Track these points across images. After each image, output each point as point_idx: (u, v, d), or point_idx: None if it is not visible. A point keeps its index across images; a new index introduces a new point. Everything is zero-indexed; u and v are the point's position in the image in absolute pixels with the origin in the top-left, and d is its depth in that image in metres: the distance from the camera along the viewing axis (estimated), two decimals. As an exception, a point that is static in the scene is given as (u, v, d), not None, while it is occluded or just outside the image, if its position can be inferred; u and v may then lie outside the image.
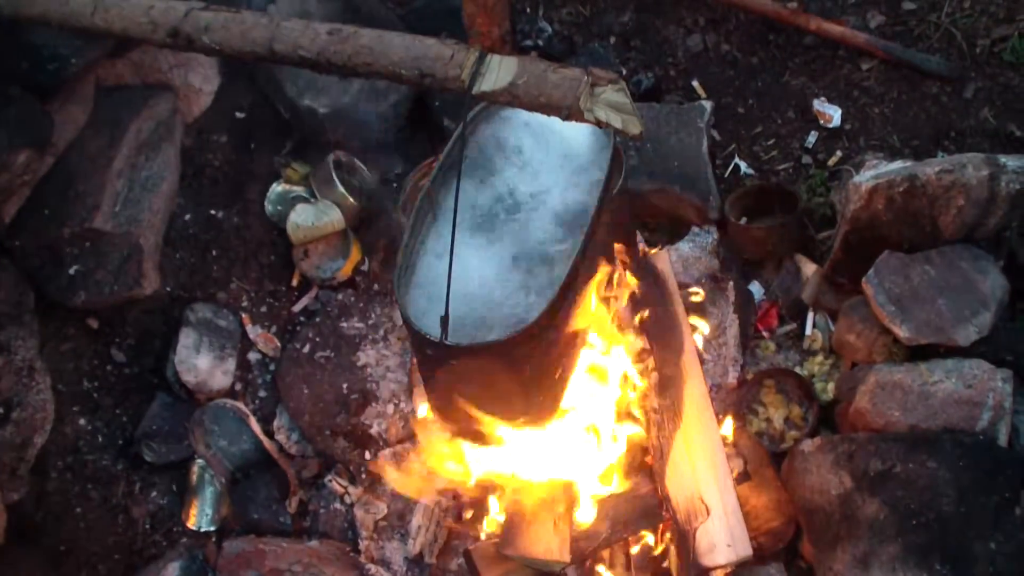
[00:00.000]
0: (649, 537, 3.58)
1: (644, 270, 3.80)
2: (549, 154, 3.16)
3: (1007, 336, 3.57)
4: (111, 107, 4.19)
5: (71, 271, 3.97)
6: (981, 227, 3.68)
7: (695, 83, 4.73)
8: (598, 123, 2.20)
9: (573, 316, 3.02)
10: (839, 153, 4.43)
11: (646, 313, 3.71)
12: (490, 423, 3.04)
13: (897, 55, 4.44)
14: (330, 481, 4.08)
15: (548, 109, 2.24)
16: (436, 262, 2.92)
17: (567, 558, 3.45)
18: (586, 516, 3.54)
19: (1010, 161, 3.63)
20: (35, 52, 3.76)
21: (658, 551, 3.58)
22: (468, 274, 2.89)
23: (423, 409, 3.80)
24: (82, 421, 4.08)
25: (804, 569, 3.65)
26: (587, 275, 3.00)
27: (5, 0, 2.83)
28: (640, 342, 3.70)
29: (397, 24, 4.70)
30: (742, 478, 3.63)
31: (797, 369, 4.06)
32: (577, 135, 3.14)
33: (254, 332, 4.38)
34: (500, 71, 2.25)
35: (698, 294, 4.09)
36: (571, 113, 2.21)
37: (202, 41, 2.59)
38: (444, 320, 2.60)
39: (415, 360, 3.87)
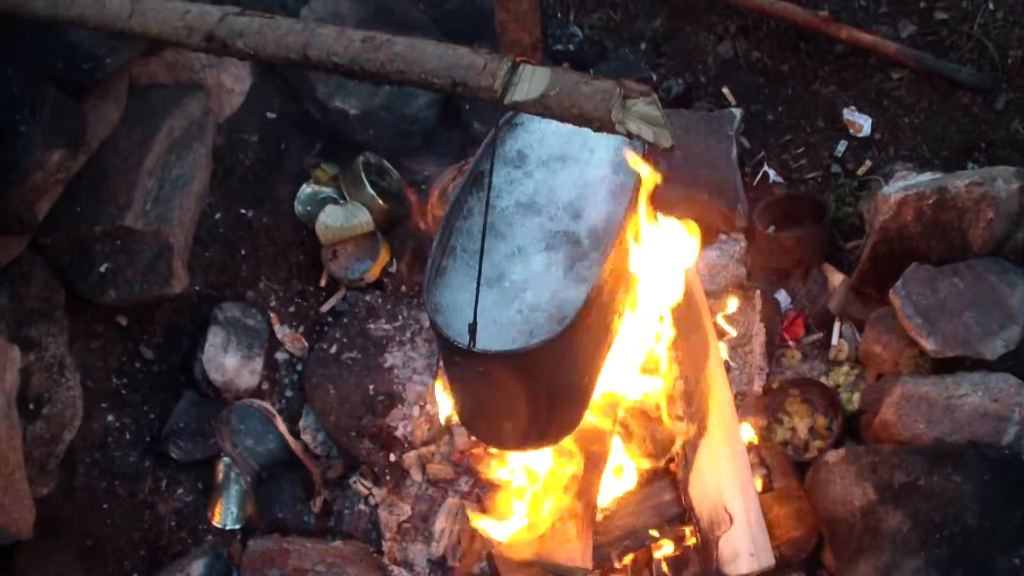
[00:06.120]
0: (670, 545, 3.58)
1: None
2: (577, 160, 3.16)
3: (1034, 351, 3.57)
4: (144, 106, 4.20)
5: (101, 268, 3.99)
6: (1010, 240, 3.68)
7: (725, 90, 4.74)
8: (629, 135, 2.20)
9: (600, 326, 3.02)
10: (868, 163, 4.42)
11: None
12: (516, 430, 3.05)
13: (928, 65, 4.43)
14: (354, 482, 4.09)
15: (580, 120, 2.24)
16: (464, 268, 2.93)
17: (589, 565, 3.46)
18: (608, 523, 3.55)
19: (1041, 174, 3.63)
20: (70, 51, 3.77)
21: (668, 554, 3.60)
22: (497, 282, 2.90)
23: (445, 410, 3.82)
24: (110, 417, 4.10)
25: (826, 579, 3.66)
26: (613, 285, 3.01)
27: (44, 3, 2.85)
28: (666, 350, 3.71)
29: (429, 26, 4.72)
30: (766, 487, 3.64)
31: (823, 379, 4.05)
32: (605, 140, 3.15)
33: (282, 332, 4.40)
34: (532, 82, 2.26)
35: (725, 302, 4.10)
36: (602, 125, 2.21)
37: (237, 46, 2.60)
38: (472, 327, 2.61)
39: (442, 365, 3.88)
